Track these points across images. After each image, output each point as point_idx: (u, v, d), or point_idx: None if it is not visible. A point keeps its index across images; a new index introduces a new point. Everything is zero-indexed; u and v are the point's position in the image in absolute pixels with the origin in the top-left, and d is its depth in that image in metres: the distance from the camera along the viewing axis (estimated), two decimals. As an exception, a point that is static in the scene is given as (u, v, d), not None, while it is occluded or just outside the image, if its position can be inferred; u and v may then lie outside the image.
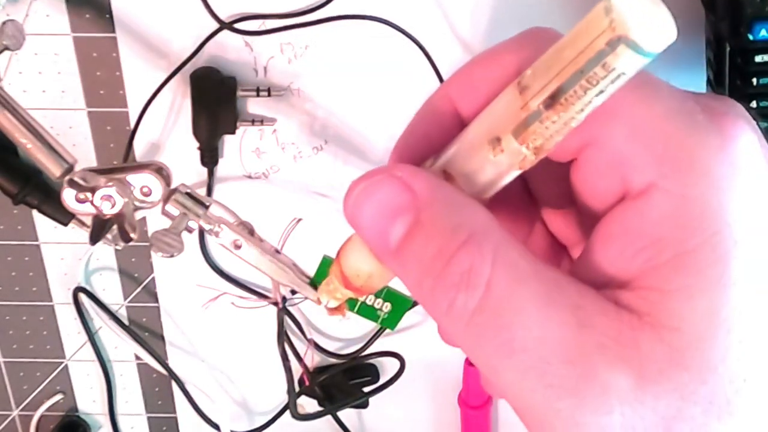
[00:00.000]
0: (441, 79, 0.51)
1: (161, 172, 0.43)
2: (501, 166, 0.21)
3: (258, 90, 0.52)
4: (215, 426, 0.63)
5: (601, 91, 0.19)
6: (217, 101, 0.52)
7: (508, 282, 0.20)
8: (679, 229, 0.20)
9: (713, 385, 0.19)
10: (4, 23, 0.42)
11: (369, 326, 0.60)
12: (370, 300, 0.54)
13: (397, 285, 0.22)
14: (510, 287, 0.20)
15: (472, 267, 0.20)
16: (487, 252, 0.20)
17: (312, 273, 0.43)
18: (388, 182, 0.21)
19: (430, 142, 0.24)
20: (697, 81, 0.50)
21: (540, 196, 0.27)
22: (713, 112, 0.21)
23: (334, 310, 0.29)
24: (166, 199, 0.42)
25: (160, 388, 0.64)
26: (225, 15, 0.51)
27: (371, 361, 0.62)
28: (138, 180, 0.43)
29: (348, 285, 0.25)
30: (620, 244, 0.20)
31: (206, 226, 0.42)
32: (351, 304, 0.47)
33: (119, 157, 0.55)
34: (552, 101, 0.19)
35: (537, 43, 0.21)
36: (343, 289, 0.25)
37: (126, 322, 0.61)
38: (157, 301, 0.61)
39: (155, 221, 0.57)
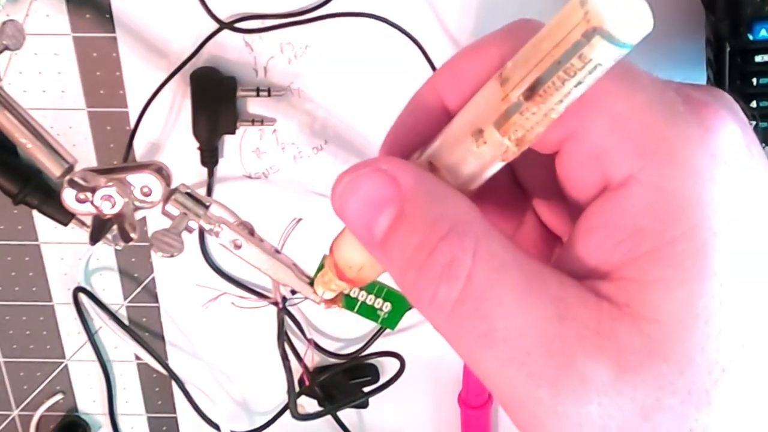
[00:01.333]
0: (441, 79, 0.51)
1: (161, 172, 0.43)
2: (484, 158, 0.21)
3: (258, 90, 0.52)
4: (215, 426, 0.63)
5: (579, 83, 0.19)
6: (217, 101, 0.52)
7: (489, 273, 0.20)
8: (658, 220, 0.20)
9: (691, 376, 0.19)
10: (4, 23, 0.42)
11: (369, 326, 0.60)
12: (370, 300, 0.54)
13: (397, 284, 0.22)
14: (491, 278, 0.20)
15: (453, 258, 0.20)
16: (468, 243, 0.20)
17: (312, 273, 0.43)
18: (373, 175, 0.21)
19: (417, 136, 0.24)
20: (697, 81, 0.50)
21: (529, 187, 0.27)
22: (695, 103, 0.21)
23: (330, 302, 0.29)
24: (166, 199, 0.42)
25: (160, 388, 0.64)
26: (225, 15, 0.51)
27: (371, 361, 0.62)
28: (138, 180, 0.43)
29: (341, 276, 0.25)
30: (600, 236, 0.21)
31: (206, 226, 0.42)
32: (351, 304, 0.47)
33: (119, 157, 0.55)
34: (531, 93, 0.19)
35: (521, 34, 0.21)
36: (337, 280, 0.25)
37: (126, 322, 0.61)
38: (157, 301, 0.61)
39: (155, 221, 0.57)
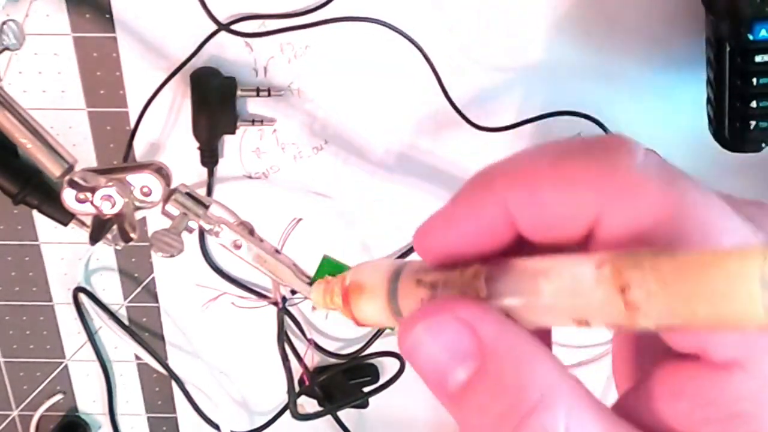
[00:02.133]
0: (439, 81, 0.51)
1: (161, 172, 0.43)
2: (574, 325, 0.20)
3: (258, 90, 0.52)
4: (215, 426, 0.63)
5: None
6: (217, 101, 0.52)
7: None
8: (760, 408, 0.19)
9: None
10: (4, 23, 0.42)
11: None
12: (370, 300, 0.54)
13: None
14: None
15: None
16: (560, 416, 0.19)
17: (312, 273, 0.43)
18: (451, 324, 0.20)
19: (469, 240, 0.22)
20: (697, 81, 0.50)
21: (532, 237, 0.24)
22: None
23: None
24: (166, 199, 0.42)
25: (160, 388, 0.64)
26: (225, 15, 0.51)
27: (371, 361, 0.62)
28: (138, 180, 0.43)
29: (359, 324, 0.24)
30: (691, 407, 0.20)
31: (206, 226, 0.42)
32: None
33: (119, 157, 0.55)
34: (668, 329, 0.19)
35: (616, 166, 0.19)
36: (346, 312, 0.25)
37: (126, 322, 0.61)
38: (157, 301, 0.61)
39: (155, 221, 0.57)
